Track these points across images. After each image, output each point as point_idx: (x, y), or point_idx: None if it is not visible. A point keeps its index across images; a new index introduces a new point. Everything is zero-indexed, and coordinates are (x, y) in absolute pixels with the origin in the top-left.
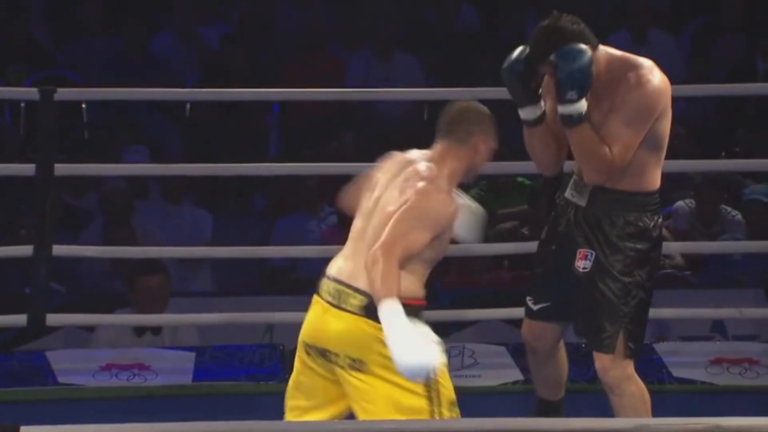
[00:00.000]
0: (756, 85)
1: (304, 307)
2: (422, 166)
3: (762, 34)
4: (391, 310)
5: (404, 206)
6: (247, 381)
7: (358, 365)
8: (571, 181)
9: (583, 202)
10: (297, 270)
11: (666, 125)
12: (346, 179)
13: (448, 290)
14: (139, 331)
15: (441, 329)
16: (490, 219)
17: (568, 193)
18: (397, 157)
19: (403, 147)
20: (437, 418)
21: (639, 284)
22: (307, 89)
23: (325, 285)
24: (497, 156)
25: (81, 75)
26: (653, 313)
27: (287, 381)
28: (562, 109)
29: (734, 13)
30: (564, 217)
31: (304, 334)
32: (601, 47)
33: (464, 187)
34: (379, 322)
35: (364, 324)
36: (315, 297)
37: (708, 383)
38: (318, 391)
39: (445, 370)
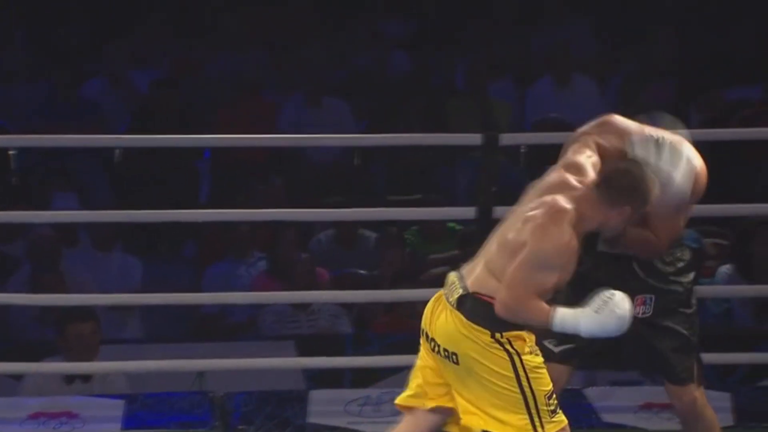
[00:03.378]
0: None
1: (235, 354)
2: (556, 200)
3: (694, 80)
4: (560, 323)
5: (524, 253)
6: (177, 428)
7: (453, 357)
8: (602, 236)
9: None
10: (227, 316)
11: None
12: (275, 225)
13: (379, 335)
14: (69, 378)
15: (372, 375)
16: (421, 264)
17: (602, 247)
18: (553, 173)
19: (335, 192)
20: (534, 414)
21: (696, 312)
22: (238, 135)
23: (452, 275)
24: (429, 202)
25: (9, 121)
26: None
27: (217, 428)
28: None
29: (665, 59)
30: (604, 268)
31: (424, 320)
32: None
33: (398, 230)
34: (468, 318)
35: (456, 318)
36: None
37: (638, 428)
38: (433, 374)
39: (537, 366)
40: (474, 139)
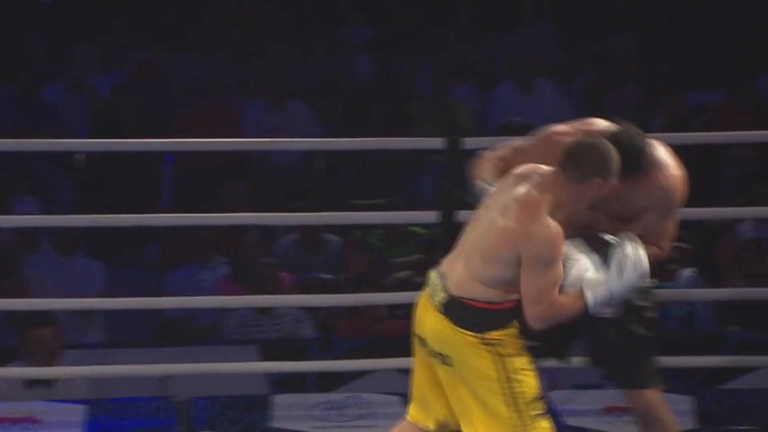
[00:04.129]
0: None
1: (198, 358)
2: (526, 195)
3: (656, 85)
4: (594, 303)
5: (524, 265)
6: None
7: (443, 359)
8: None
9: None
10: (191, 321)
11: None
12: (239, 229)
13: (343, 340)
14: (31, 383)
15: (336, 379)
16: (385, 268)
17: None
18: (515, 174)
19: (298, 197)
20: (518, 419)
21: (656, 316)
22: (200, 139)
23: (431, 276)
24: (393, 206)
25: None
26: (547, 362)
27: None
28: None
29: (626, 63)
30: None
31: (414, 322)
32: None
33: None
34: (455, 324)
35: (442, 321)
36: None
37: (601, 431)
38: (427, 375)
39: (523, 368)
40: (437, 142)
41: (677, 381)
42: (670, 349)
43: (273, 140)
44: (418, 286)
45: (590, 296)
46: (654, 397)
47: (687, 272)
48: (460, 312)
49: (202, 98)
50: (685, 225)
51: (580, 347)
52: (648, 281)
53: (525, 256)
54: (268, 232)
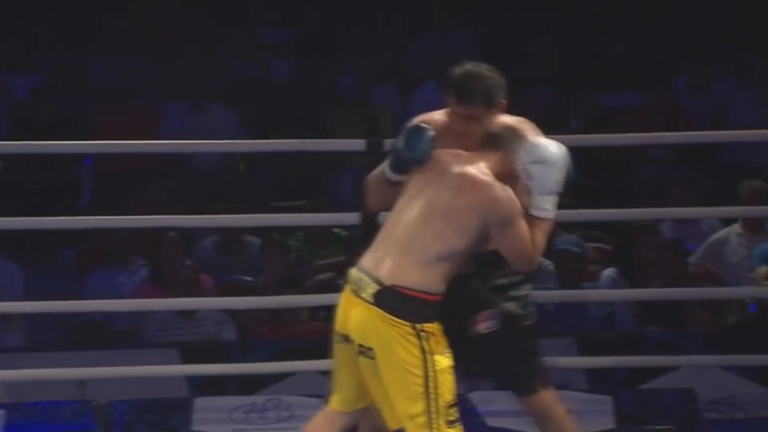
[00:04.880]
0: (568, 137)
1: (118, 362)
2: (471, 168)
3: (572, 87)
4: (548, 210)
5: (500, 229)
6: None
7: (366, 352)
8: None
9: (465, 270)
10: (110, 324)
11: None
12: (158, 232)
13: (264, 342)
14: None
15: (257, 382)
16: (306, 270)
17: None
18: (433, 165)
19: (219, 199)
20: (434, 418)
21: (535, 323)
22: (119, 141)
23: (353, 273)
24: (313, 208)
25: None
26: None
27: None
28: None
29: (543, 65)
30: (449, 289)
31: (335, 323)
32: None
33: (282, 237)
34: (389, 313)
35: (374, 313)
36: (346, 287)
37: None
38: (350, 376)
39: (446, 369)
40: (358, 144)
41: (596, 381)
42: (590, 350)
43: (192, 142)
44: (340, 288)
45: (545, 213)
46: (546, 399)
47: (608, 272)
48: (394, 301)
49: (122, 101)
50: (605, 226)
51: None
52: (522, 290)
53: (495, 220)
54: (188, 234)
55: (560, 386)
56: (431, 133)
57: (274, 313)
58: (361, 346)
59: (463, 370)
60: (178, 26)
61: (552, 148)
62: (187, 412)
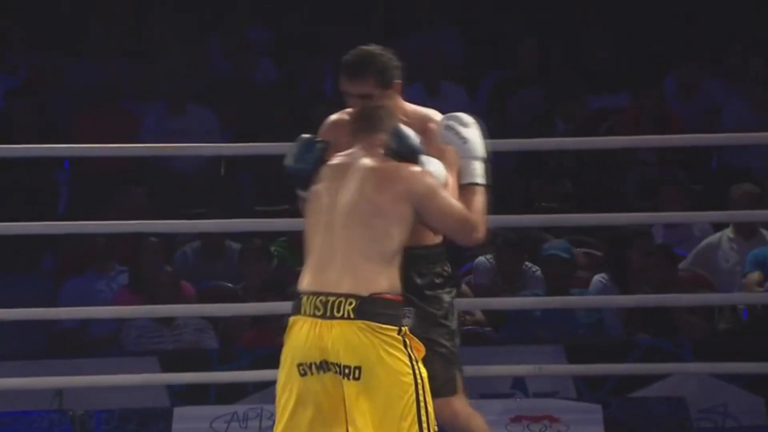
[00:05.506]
0: (556, 140)
1: (96, 370)
2: (375, 161)
3: (558, 87)
4: (480, 176)
5: (426, 208)
6: None
7: (351, 373)
8: None
9: None
10: (87, 332)
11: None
12: (137, 237)
13: (245, 350)
14: None
15: (239, 390)
16: (288, 276)
17: None
18: (333, 172)
19: (200, 203)
20: (423, 429)
21: (458, 326)
22: (97, 145)
23: (307, 301)
24: (298, 212)
25: None
26: None
27: None
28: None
29: (530, 66)
30: None
31: (294, 357)
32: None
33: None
34: (376, 321)
35: (358, 327)
36: (293, 319)
37: None
38: (322, 409)
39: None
40: None
41: (585, 389)
42: (579, 357)
43: (172, 145)
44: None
45: (479, 179)
46: (458, 407)
47: (599, 278)
48: (378, 308)
49: (100, 103)
50: (594, 231)
51: None
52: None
53: (419, 198)
54: (168, 239)
55: (548, 394)
56: (320, 144)
57: (257, 319)
58: (346, 367)
59: None
60: (158, 26)
61: (467, 116)
62: (167, 421)
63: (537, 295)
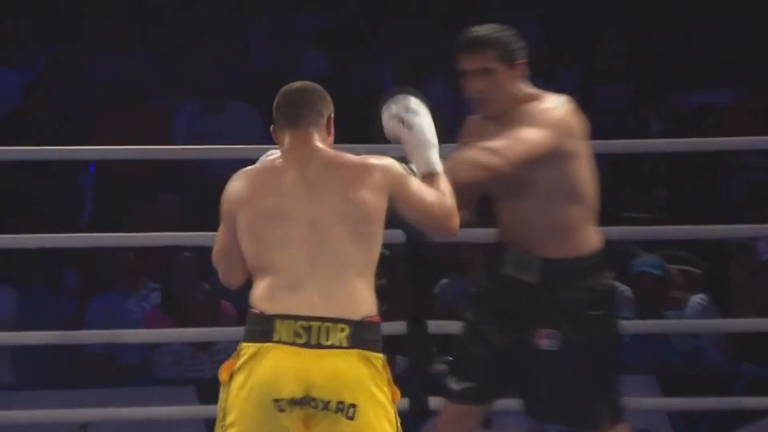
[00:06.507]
0: (649, 141)
1: (125, 401)
2: (334, 157)
3: (651, 82)
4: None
5: (401, 195)
6: None
7: (348, 411)
8: (508, 256)
9: (532, 278)
10: (116, 358)
11: (580, 172)
12: (170, 251)
13: None
14: None
15: None
16: None
17: (508, 270)
18: (274, 172)
19: None
20: None
21: (614, 349)
22: (125, 146)
23: (281, 326)
24: None
25: None
26: None
27: None
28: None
29: (616, 59)
30: (504, 292)
31: (268, 393)
32: None
33: None
34: (370, 350)
35: (353, 358)
36: (258, 346)
37: None
38: None
39: None
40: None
41: (681, 425)
42: (674, 389)
43: (209, 147)
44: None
45: (434, 164)
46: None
47: (697, 300)
48: (368, 333)
49: (127, 100)
50: (693, 245)
51: None
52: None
53: (397, 183)
54: (205, 253)
55: (640, 431)
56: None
57: None
58: (339, 403)
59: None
60: (190, 14)
61: (413, 99)
62: None
63: (626, 318)
